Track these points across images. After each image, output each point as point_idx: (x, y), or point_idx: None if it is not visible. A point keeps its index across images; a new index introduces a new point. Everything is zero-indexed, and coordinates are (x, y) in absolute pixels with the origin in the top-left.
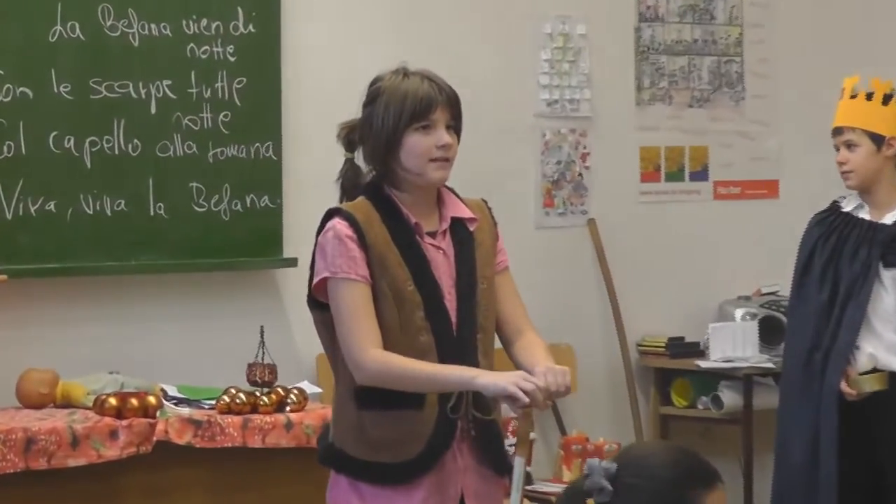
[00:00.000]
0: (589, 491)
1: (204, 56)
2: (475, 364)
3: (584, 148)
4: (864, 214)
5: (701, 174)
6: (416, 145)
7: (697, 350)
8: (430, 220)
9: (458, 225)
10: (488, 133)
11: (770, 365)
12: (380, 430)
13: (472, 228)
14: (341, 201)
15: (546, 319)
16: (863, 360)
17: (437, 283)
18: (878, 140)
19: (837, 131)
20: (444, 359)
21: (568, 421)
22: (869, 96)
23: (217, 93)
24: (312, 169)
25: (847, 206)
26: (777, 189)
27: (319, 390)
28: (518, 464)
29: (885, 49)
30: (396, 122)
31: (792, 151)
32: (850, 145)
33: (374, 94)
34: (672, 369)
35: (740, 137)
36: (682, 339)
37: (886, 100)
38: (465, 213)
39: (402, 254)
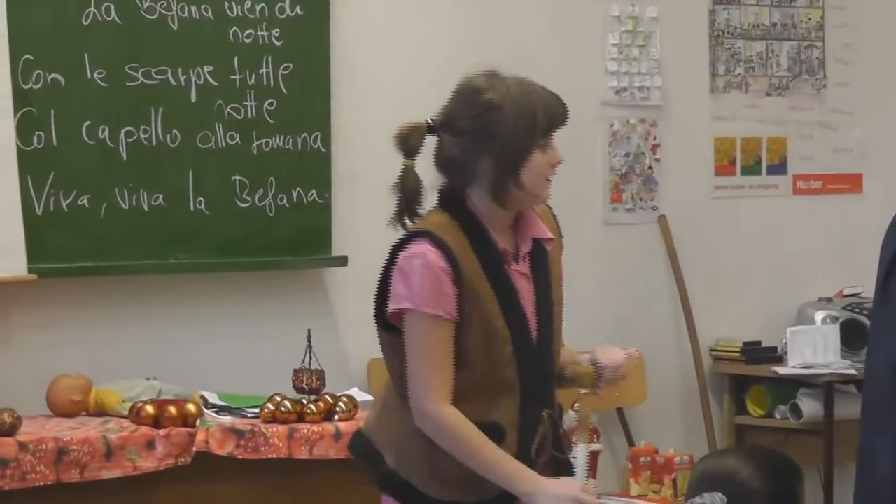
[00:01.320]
0: None
1: (248, 40)
2: (551, 398)
3: (655, 139)
4: None
5: (779, 167)
6: (539, 163)
7: (775, 355)
8: (509, 241)
9: (536, 244)
10: None
11: (852, 371)
12: (456, 469)
13: (548, 248)
14: (402, 215)
15: (614, 322)
16: None
17: (524, 314)
18: None
19: None
20: (525, 393)
21: (636, 431)
22: None
23: (262, 79)
24: (364, 162)
25: None
26: (860, 183)
27: (370, 398)
28: (581, 451)
29: None
30: (528, 138)
31: (876, 143)
32: None
33: (488, 105)
34: (748, 376)
35: (821, 128)
36: (758, 343)
37: None
38: (545, 232)
39: (493, 286)
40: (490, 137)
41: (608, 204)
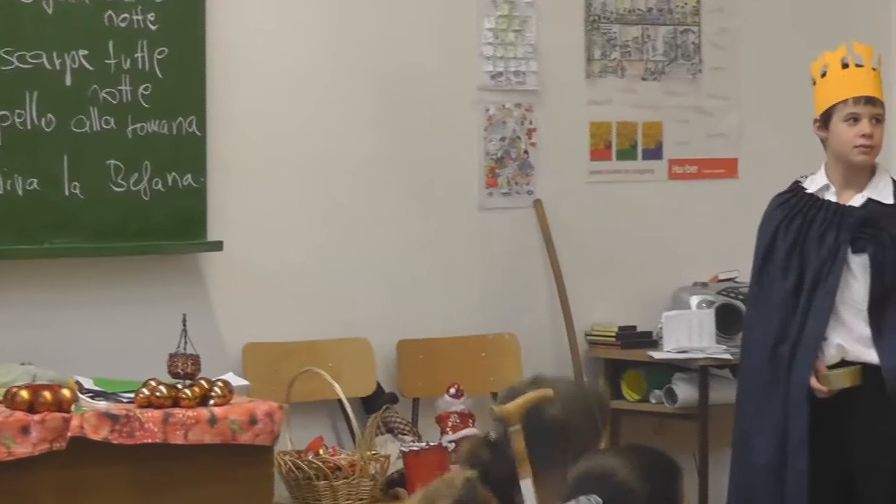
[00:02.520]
0: None
1: (123, 24)
2: None
3: (531, 124)
4: (831, 196)
5: (655, 152)
6: None
7: (650, 340)
8: None
9: None
10: (427, 108)
11: (727, 356)
12: None
13: None
14: None
15: (489, 307)
16: (831, 353)
17: None
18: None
19: (868, 101)
20: None
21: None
22: (869, 66)
23: (137, 64)
24: (240, 146)
25: (811, 187)
26: (736, 168)
27: (246, 383)
28: (526, 485)
29: (855, 17)
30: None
31: (752, 128)
32: (878, 119)
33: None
34: (623, 360)
35: (697, 113)
36: (633, 328)
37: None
38: None
39: None
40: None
41: (484, 189)
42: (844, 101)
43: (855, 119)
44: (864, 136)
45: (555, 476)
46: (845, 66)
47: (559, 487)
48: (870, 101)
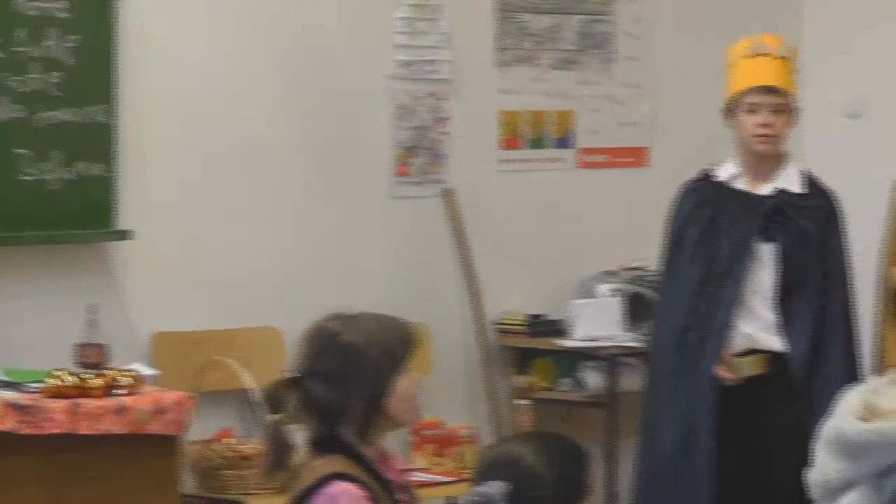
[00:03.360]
0: None
1: (32, 12)
2: None
3: (442, 113)
4: (741, 184)
5: (565, 141)
6: (404, 389)
7: (559, 328)
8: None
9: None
10: (339, 97)
11: (636, 344)
12: None
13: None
14: (274, 470)
15: (399, 296)
16: (739, 341)
17: None
18: (794, 108)
19: (768, 90)
20: None
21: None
22: (776, 56)
23: (47, 52)
24: (152, 135)
25: (721, 175)
26: (646, 157)
27: (155, 372)
28: None
29: (768, 7)
30: (393, 369)
31: (664, 117)
32: (779, 109)
33: (351, 348)
34: (532, 349)
35: (609, 102)
36: (543, 316)
37: (787, 61)
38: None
39: None
40: (359, 377)
41: (394, 177)
42: (745, 91)
43: (755, 109)
44: (762, 125)
45: None
46: (750, 56)
47: None
48: (770, 90)
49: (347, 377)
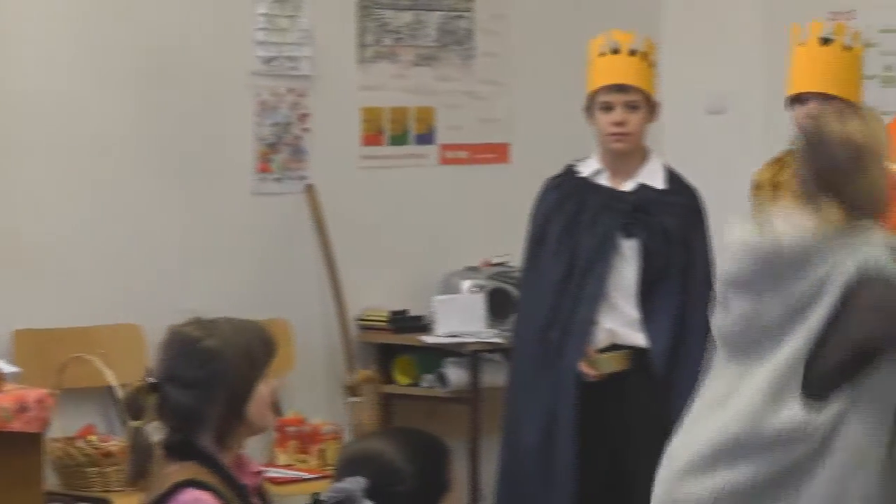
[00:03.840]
0: None
1: None
2: None
3: (304, 109)
4: (603, 181)
5: (427, 137)
6: (263, 394)
7: (422, 324)
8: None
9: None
10: (200, 93)
11: (498, 340)
12: None
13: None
14: (137, 476)
15: (261, 292)
16: (602, 337)
17: None
18: (652, 104)
19: (620, 88)
20: None
21: (283, 400)
22: (628, 52)
23: None
24: (11, 134)
25: (584, 171)
26: (507, 153)
27: (16, 370)
28: None
29: (627, 2)
30: (252, 374)
31: (524, 114)
32: (633, 106)
33: (210, 353)
34: (395, 345)
35: (469, 98)
36: (405, 312)
37: (643, 57)
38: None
39: None
40: (218, 383)
41: (256, 174)
42: (599, 90)
43: (608, 107)
44: (614, 123)
45: None
46: (602, 54)
47: None
48: (622, 88)
49: (206, 383)
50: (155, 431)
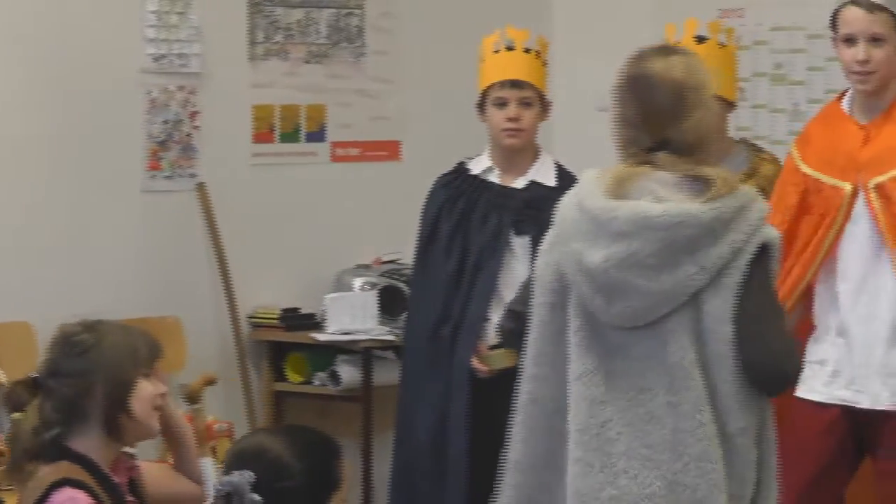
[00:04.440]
0: None
1: None
2: None
3: (194, 106)
4: (494, 178)
5: (318, 135)
6: (146, 391)
7: (314, 322)
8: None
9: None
10: (88, 90)
11: (391, 338)
12: None
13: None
14: (15, 470)
15: (151, 291)
16: (493, 333)
17: None
18: (545, 102)
19: (515, 84)
20: None
21: (175, 398)
22: (522, 49)
23: None
24: None
25: (475, 169)
26: (399, 151)
27: None
28: (206, 464)
29: (513, 3)
30: (133, 367)
31: (415, 111)
32: (527, 104)
33: (87, 345)
34: (287, 343)
35: (360, 96)
36: (297, 310)
37: (537, 55)
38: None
39: None
40: (95, 373)
41: (146, 171)
42: (493, 86)
43: (503, 103)
44: (509, 119)
45: None
46: (497, 50)
47: None
48: (516, 84)
49: (83, 372)
50: (34, 426)
